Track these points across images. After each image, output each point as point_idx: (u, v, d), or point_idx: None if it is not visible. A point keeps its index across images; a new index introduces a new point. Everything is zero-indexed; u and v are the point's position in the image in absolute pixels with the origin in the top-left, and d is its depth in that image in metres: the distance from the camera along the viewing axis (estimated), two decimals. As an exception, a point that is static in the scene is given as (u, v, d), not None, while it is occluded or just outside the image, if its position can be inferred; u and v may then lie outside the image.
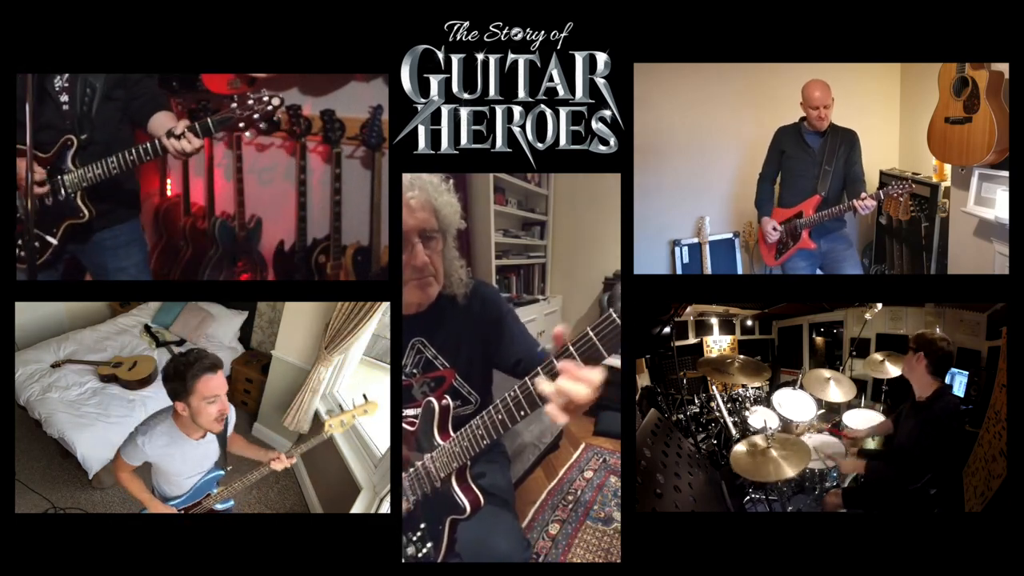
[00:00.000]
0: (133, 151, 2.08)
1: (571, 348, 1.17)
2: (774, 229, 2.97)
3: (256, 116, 2.02)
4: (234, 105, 2.01)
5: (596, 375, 1.15)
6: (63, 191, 2.16)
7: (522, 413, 1.34)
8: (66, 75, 2.21)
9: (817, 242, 2.91)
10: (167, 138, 2.03)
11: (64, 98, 2.20)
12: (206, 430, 2.07)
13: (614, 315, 1.12)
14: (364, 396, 2.30)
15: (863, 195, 2.69)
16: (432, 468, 1.66)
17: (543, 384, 1.23)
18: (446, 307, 1.86)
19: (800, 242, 2.91)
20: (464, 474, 1.64)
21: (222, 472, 2.21)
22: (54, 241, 2.20)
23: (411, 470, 1.74)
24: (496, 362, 1.92)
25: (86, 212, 2.19)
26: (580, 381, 1.15)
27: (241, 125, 2.02)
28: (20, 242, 2.19)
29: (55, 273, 2.31)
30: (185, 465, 2.12)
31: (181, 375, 1.95)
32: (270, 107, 2.02)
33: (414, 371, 1.89)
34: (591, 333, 1.15)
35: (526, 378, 1.30)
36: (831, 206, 2.81)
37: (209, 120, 2.01)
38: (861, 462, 2.27)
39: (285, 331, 3.45)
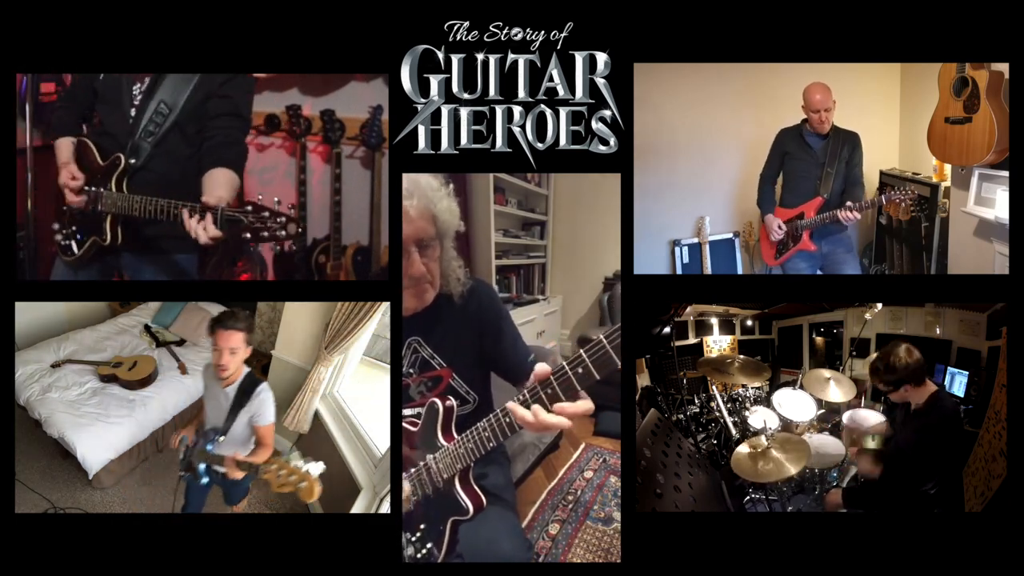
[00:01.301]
0: (154, 203, 1.99)
1: (552, 379, 1.30)
2: (779, 227, 2.97)
3: (265, 234, 1.90)
4: (249, 209, 1.90)
5: (583, 406, 1.29)
6: (99, 206, 2.11)
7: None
8: (143, 87, 2.14)
9: (818, 244, 2.91)
10: (187, 212, 1.91)
11: (132, 112, 2.14)
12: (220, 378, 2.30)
13: (583, 355, 1.23)
14: (308, 465, 2.19)
15: (848, 205, 2.71)
16: (435, 469, 1.66)
17: (520, 410, 1.35)
18: (443, 306, 1.86)
19: (800, 243, 2.91)
20: (467, 476, 1.64)
21: (218, 438, 2.29)
22: (77, 250, 2.18)
23: (412, 470, 1.74)
24: (488, 363, 1.92)
25: (109, 237, 2.13)
26: (565, 416, 1.29)
27: (247, 235, 1.90)
28: (60, 236, 2.20)
29: (82, 277, 2.27)
30: (209, 404, 2.38)
31: (214, 321, 2.25)
32: (282, 232, 1.90)
33: (411, 371, 1.89)
34: (567, 368, 1.27)
35: (537, 385, 1.36)
36: (833, 208, 2.81)
37: (220, 211, 1.90)
38: (879, 466, 2.21)
39: (285, 331, 3.45)
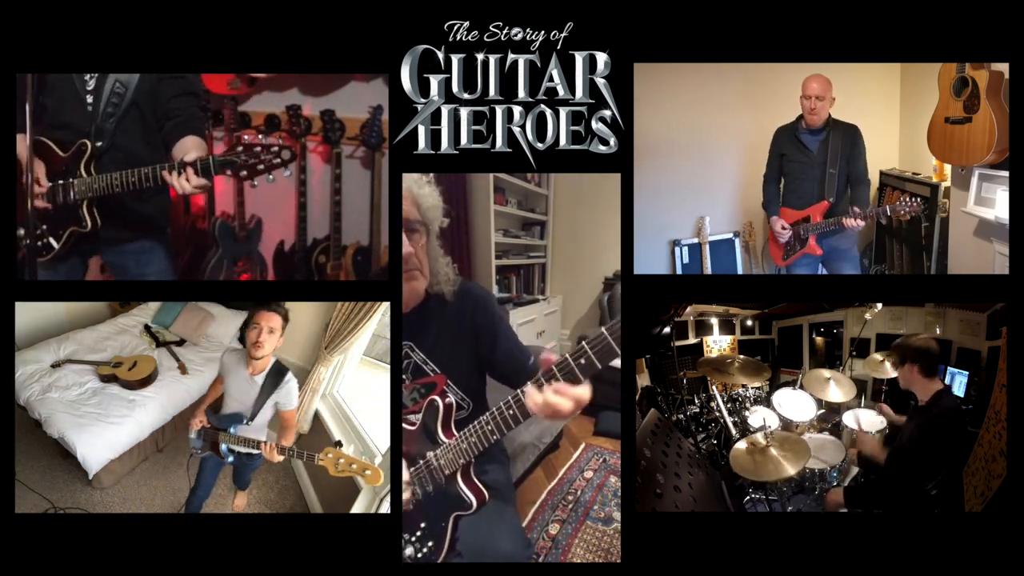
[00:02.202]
0: (136, 173, 2.01)
1: (554, 369, 1.38)
2: (783, 228, 2.95)
3: (261, 167, 1.94)
4: (240, 149, 1.94)
5: (583, 391, 1.36)
6: (72, 195, 2.09)
7: None
8: (96, 73, 2.15)
9: (822, 247, 2.90)
10: (168, 172, 1.96)
11: (89, 99, 2.15)
12: (251, 359, 2.39)
13: (586, 347, 1.32)
14: (373, 456, 2.41)
15: (854, 211, 2.70)
16: (437, 465, 1.66)
17: (534, 395, 1.41)
18: (434, 308, 1.84)
19: (807, 247, 2.89)
20: (469, 471, 1.65)
21: (243, 423, 2.39)
22: (56, 245, 2.17)
23: (412, 469, 1.74)
24: (486, 367, 1.91)
25: (88, 223, 2.13)
26: (566, 396, 1.37)
27: (243, 173, 1.95)
28: (30, 240, 2.16)
29: (62, 272, 2.25)
30: (233, 389, 2.45)
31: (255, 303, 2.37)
32: (278, 160, 1.95)
33: (404, 376, 1.87)
34: (570, 360, 1.35)
35: (539, 375, 1.41)
36: (839, 210, 2.80)
37: (212, 160, 1.94)
38: (884, 451, 2.25)
39: (285, 331, 3.44)
